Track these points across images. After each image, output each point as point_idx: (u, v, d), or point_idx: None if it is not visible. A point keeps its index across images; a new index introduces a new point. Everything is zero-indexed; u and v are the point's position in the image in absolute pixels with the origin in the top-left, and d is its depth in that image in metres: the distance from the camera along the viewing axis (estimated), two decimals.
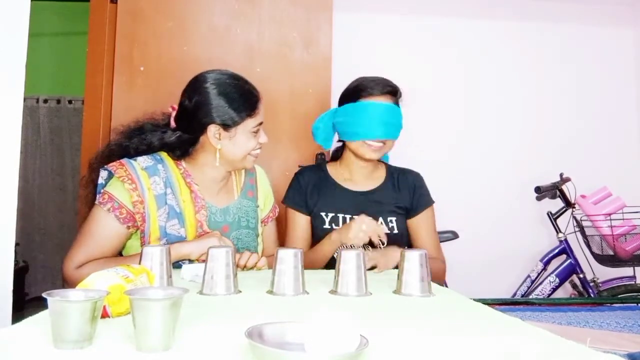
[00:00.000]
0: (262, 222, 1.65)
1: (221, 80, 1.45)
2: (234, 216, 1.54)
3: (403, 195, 1.71)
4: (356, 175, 1.72)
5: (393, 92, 1.66)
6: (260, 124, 1.48)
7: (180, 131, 1.47)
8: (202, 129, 1.43)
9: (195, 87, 1.45)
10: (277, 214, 1.73)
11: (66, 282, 1.35)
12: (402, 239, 1.67)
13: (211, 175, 1.50)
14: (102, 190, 1.42)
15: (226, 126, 1.42)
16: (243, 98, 1.44)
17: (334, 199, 1.69)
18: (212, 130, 1.42)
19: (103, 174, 1.47)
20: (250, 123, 1.44)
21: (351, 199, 1.69)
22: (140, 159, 1.46)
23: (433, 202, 1.75)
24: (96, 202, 1.41)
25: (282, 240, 1.75)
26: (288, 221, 1.74)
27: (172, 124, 1.51)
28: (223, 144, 1.44)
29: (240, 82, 1.47)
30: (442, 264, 1.72)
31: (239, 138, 1.44)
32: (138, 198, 1.39)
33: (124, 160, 1.45)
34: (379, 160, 1.76)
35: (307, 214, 1.71)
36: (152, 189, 1.42)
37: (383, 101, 1.63)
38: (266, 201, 1.67)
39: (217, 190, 1.53)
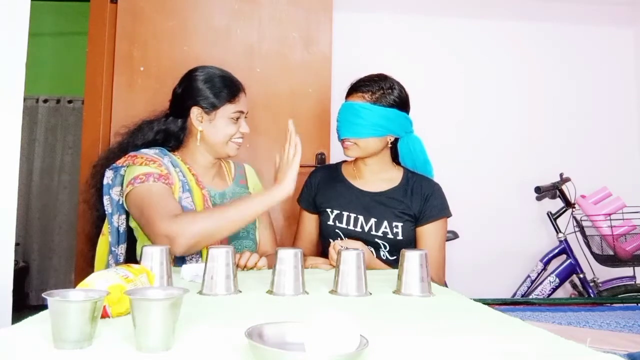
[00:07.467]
0: None
1: (207, 71, 1.60)
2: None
3: (414, 202, 1.65)
4: (365, 174, 1.71)
5: (366, 90, 1.62)
6: (242, 112, 1.58)
7: (172, 116, 1.59)
8: (187, 111, 1.56)
9: (186, 77, 1.61)
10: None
11: (169, 239, 1.28)
12: (407, 247, 1.62)
13: (202, 162, 1.59)
14: (133, 176, 1.43)
15: (207, 109, 1.54)
16: (224, 85, 1.57)
17: (340, 196, 1.70)
18: (195, 112, 1.55)
19: (108, 174, 1.51)
20: (229, 108, 1.55)
21: (358, 197, 1.69)
22: (144, 150, 1.53)
23: (447, 215, 1.67)
24: (135, 185, 1.41)
25: (284, 238, 1.75)
26: (298, 219, 1.80)
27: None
28: (204, 127, 1.55)
29: (225, 74, 1.61)
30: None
31: (219, 122, 1.55)
32: (165, 171, 1.46)
33: (132, 152, 1.51)
34: (398, 164, 1.74)
35: (315, 213, 1.75)
36: (167, 166, 1.51)
37: (353, 100, 1.64)
38: (255, 189, 1.73)
39: (212, 177, 1.62)
